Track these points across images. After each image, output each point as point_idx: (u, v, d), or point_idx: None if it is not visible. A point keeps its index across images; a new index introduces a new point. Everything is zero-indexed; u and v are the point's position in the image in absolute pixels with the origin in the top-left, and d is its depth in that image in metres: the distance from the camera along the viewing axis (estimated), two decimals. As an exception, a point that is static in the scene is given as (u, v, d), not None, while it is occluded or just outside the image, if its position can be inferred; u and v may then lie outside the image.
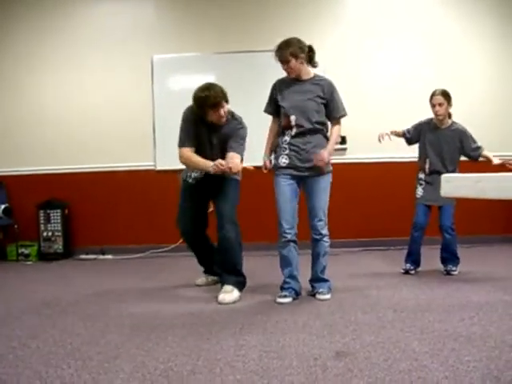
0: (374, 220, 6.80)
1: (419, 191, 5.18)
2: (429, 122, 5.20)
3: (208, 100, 4.25)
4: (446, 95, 5.04)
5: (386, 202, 6.44)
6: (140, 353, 2.94)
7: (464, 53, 7.14)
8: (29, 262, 6.91)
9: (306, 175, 4.21)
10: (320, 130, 4.26)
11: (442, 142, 5.08)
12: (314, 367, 2.62)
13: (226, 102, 4.39)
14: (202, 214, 4.80)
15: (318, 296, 4.16)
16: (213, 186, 4.51)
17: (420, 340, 3.00)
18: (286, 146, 4.25)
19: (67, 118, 7.29)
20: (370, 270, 5.46)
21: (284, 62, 4.24)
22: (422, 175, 5.20)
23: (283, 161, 4.23)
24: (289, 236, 4.17)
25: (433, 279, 4.86)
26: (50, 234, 7.04)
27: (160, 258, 6.84)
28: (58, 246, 7.05)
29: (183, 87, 7.26)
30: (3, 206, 6.91)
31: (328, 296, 4.15)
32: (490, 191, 1.62)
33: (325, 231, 4.21)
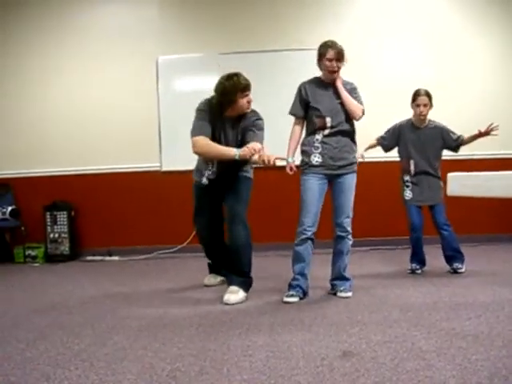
0: (379, 219, 6.79)
1: (407, 193, 5.17)
2: (406, 123, 5.23)
3: (239, 83, 4.33)
4: (429, 96, 5.08)
5: (391, 201, 6.40)
6: (147, 354, 2.94)
7: (465, 52, 7.11)
8: (36, 264, 6.93)
9: (337, 174, 4.25)
10: (351, 133, 4.35)
11: (424, 141, 5.11)
12: (321, 367, 2.61)
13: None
14: (218, 213, 4.75)
15: (339, 294, 4.17)
16: (226, 184, 4.51)
17: (427, 339, 2.99)
18: (319, 145, 4.28)
19: (73, 120, 7.31)
20: (376, 270, 5.46)
21: (340, 59, 4.30)
22: (407, 177, 5.20)
23: (316, 159, 4.26)
24: (309, 233, 4.19)
25: (439, 278, 4.84)
26: (56, 235, 7.05)
27: (167, 259, 6.84)
28: (65, 247, 7.06)
29: (189, 88, 7.29)
30: (10, 208, 6.93)
31: (350, 294, 4.17)
32: (497, 190, 1.62)
33: (350, 228, 4.27)
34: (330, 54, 4.23)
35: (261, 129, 4.38)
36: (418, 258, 5.15)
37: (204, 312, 3.88)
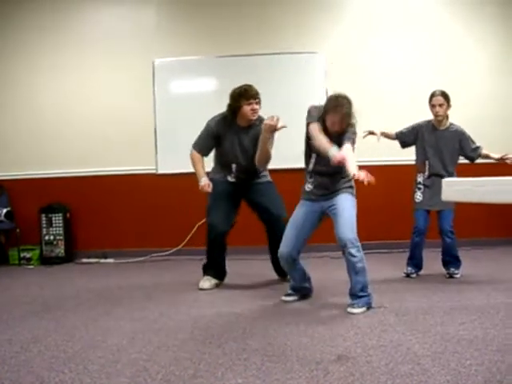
0: (376, 223, 6.79)
1: (418, 196, 5.15)
2: (427, 124, 5.19)
3: (245, 91, 4.67)
4: (445, 96, 5.04)
5: (388, 205, 6.43)
6: (141, 357, 2.94)
7: (467, 53, 7.12)
8: (31, 266, 6.91)
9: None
10: None
11: (441, 143, 5.07)
12: (316, 371, 2.61)
13: (260, 101, 4.76)
14: (233, 214, 4.98)
15: (348, 309, 3.98)
16: (249, 190, 4.84)
17: (422, 343, 3.00)
18: None
19: (69, 122, 7.30)
20: (372, 274, 5.40)
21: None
22: (420, 178, 5.17)
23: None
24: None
25: (434, 282, 4.84)
26: (51, 237, 7.03)
27: (162, 262, 6.83)
28: (60, 249, 7.04)
29: (184, 91, 7.29)
30: (5, 210, 6.89)
31: (356, 310, 3.90)
32: (492, 195, 1.62)
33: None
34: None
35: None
36: (414, 262, 5.15)
37: (199, 315, 3.87)
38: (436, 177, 5.02)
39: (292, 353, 2.92)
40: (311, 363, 2.73)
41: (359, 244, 3.89)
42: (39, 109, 7.35)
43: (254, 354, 2.93)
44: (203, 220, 7.00)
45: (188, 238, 7.10)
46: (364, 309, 3.88)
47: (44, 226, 7.05)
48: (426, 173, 5.12)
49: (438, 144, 5.08)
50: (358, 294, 3.91)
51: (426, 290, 4.52)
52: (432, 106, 5.07)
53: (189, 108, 7.18)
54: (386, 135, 5.30)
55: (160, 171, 7.20)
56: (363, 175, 3.56)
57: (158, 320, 3.79)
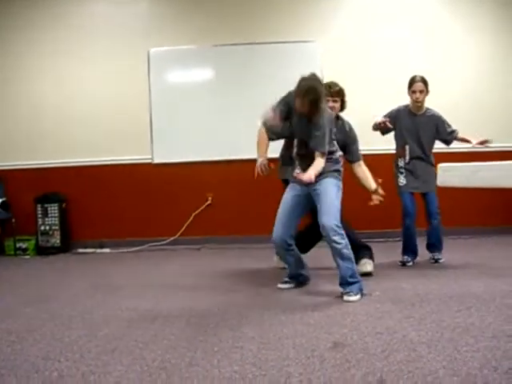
0: (371, 212, 6.76)
1: (401, 179, 5.21)
2: (404, 109, 5.26)
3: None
4: (425, 82, 5.14)
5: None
6: (138, 345, 2.93)
7: (459, 45, 7.15)
8: (27, 257, 6.91)
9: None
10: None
11: (419, 128, 5.17)
12: (312, 358, 2.62)
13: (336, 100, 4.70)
14: None
15: (344, 298, 3.97)
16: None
17: (418, 330, 3.00)
18: None
19: (64, 112, 7.28)
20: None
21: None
22: (401, 163, 5.24)
23: None
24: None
25: (430, 270, 4.86)
26: (47, 228, 7.03)
27: (158, 251, 6.84)
28: (56, 240, 7.04)
29: (180, 80, 7.28)
30: (1, 200, 6.88)
31: (354, 298, 3.91)
32: (488, 180, 1.62)
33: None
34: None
35: None
36: (409, 249, 5.17)
37: (194, 304, 3.87)
38: (417, 160, 5.15)
39: (288, 340, 2.92)
40: (307, 350, 2.73)
41: (343, 232, 3.91)
42: (36, 99, 7.33)
43: (249, 341, 2.93)
44: (199, 209, 7.06)
45: (184, 228, 7.11)
46: (360, 295, 3.89)
47: (40, 216, 7.05)
48: (407, 157, 5.17)
49: (416, 129, 5.17)
50: (349, 280, 3.92)
51: (422, 277, 4.54)
52: (412, 92, 5.14)
53: (184, 97, 7.17)
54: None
55: (156, 161, 7.19)
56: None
57: (154, 308, 3.79)
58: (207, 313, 3.61)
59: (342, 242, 3.88)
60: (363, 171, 4.76)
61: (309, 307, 3.65)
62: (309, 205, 4.18)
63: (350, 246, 3.95)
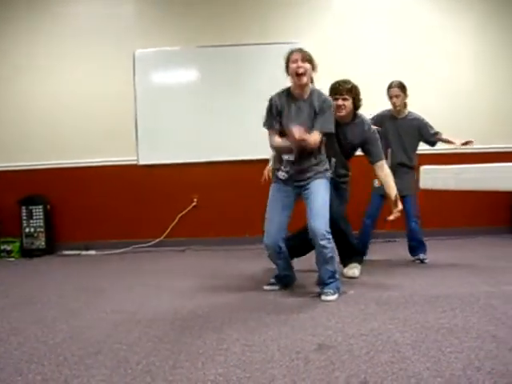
0: (358, 212, 6.78)
1: (377, 182, 5.19)
2: (387, 113, 5.36)
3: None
4: (401, 87, 5.23)
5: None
6: (122, 348, 2.92)
7: (450, 42, 7.19)
8: (11, 259, 6.86)
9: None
10: None
11: (401, 131, 5.24)
12: (296, 360, 2.62)
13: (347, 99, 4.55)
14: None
15: (322, 297, 3.98)
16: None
17: (402, 332, 3.01)
18: None
19: (49, 113, 7.23)
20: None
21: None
22: None
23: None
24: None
25: (415, 271, 4.87)
26: (32, 230, 6.98)
27: (144, 253, 6.82)
28: (41, 242, 7.00)
29: (165, 82, 7.27)
30: (-16, 203, 6.85)
31: (331, 298, 3.94)
32: (471, 182, 1.62)
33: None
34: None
35: None
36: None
37: (179, 306, 3.86)
38: (398, 165, 5.19)
39: (272, 342, 2.92)
40: (292, 352, 2.74)
41: (330, 236, 3.90)
42: (20, 101, 7.27)
43: (234, 343, 2.93)
44: (185, 211, 7.04)
45: (169, 229, 7.09)
46: (337, 295, 3.94)
47: (24, 218, 7.00)
48: (388, 160, 5.18)
49: (399, 132, 5.23)
50: (327, 281, 3.95)
51: (407, 278, 4.55)
52: (390, 98, 5.26)
53: (169, 99, 7.16)
54: None
55: (141, 162, 7.16)
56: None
57: (138, 311, 3.78)
58: (192, 315, 3.60)
59: (329, 246, 3.89)
60: (384, 175, 4.55)
61: (294, 309, 3.65)
62: (294, 205, 4.16)
63: (333, 250, 3.98)
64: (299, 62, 3.92)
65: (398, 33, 7.18)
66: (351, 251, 4.79)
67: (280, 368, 2.52)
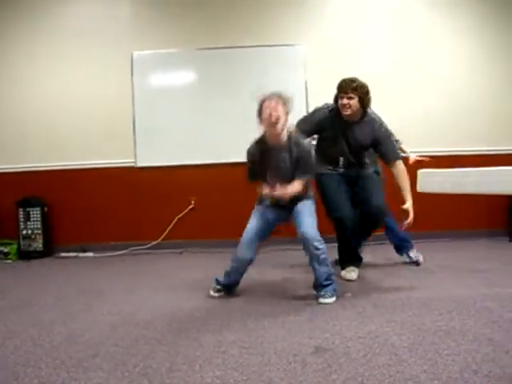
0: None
1: None
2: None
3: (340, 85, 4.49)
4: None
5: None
6: (119, 350, 2.92)
7: (448, 42, 7.21)
8: (8, 261, 6.84)
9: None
10: None
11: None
12: (294, 363, 2.62)
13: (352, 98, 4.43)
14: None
15: (320, 300, 4.00)
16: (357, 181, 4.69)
17: (399, 335, 3.01)
18: None
19: (47, 115, 7.23)
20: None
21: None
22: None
23: None
24: None
25: (411, 274, 4.87)
26: (29, 232, 6.97)
27: (141, 256, 6.81)
28: (38, 244, 6.98)
29: (163, 83, 7.26)
30: (-18, 205, 6.84)
31: (330, 300, 3.96)
32: (469, 186, 1.63)
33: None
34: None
35: None
36: None
37: (177, 308, 3.86)
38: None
39: (270, 345, 2.92)
40: (289, 355, 2.74)
41: (321, 238, 3.93)
42: (17, 102, 7.27)
43: (231, 346, 2.93)
44: (182, 213, 7.04)
45: (167, 232, 7.09)
46: (335, 297, 3.94)
47: (22, 220, 6.98)
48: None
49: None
50: (323, 283, 3.95)
51: (404, 281, 4.55)
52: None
53: (167, 101, 7.16)
54: None
55: (139, 164, 7.16)
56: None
57: (136, 313, 3.77)
58: (189, 317, 3.60)
59: (322, 247, 3.90)
60: (398, 177, 4.45)
61: (290, 312, 3.65)
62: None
63: (327, 252, 3.98)
64: (272, 111, 3.82)
65: (398, 33, 7.19)
66: (351, 254, 4.80)
67: (277, 371, 2.52)
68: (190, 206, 7.12)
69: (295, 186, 3.94)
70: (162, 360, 2.74)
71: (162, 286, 4.73)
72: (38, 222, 7.00)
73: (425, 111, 6.81)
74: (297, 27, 7.11)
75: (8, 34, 7.26)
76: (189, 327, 3.35)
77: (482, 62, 7.21)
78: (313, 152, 4.04)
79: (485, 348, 2.71)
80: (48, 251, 7.06)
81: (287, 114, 3.88)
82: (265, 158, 4.02)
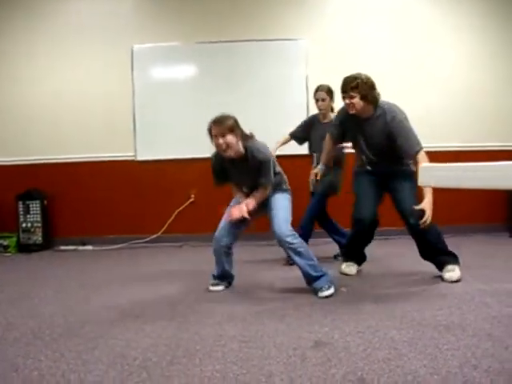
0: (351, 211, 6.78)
1: (311, 184, 5.27)
2: (314, 118, 5.47)
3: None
4: (328, 91, 5.26)
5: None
6: (119, 343, 2.93)
7: (449, 41, 7.19)
8: (8, 254, 6.85)
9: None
10: None
11: (323, 136, 5.14)
12: (293, 357, 2.62)
13: (353, 96, 4.25)
14: (378, 201, 4.64)
15: (319, 294, 4.00)
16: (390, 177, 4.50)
17: (399, 329, 3.01)
18: None
19: (47, 108, 7.22)
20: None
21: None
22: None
23: None
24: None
25: (411, 269, 4.86)
26: (29, 225, 6.97)
27: (141, 249, 6.81)
28: (38, 237, 6.98)
29: (164, 77, 7.24)
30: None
31: (329, 292, 3.98)
32: (471, 181, 1.62)
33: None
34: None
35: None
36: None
37: (177, 301, 3.87)
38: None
39: (269, 339, 2.93)
40: (288, 349, 2.74)
41: (294, 232, 3.95)
42: (18, 96, 7.25)
43: (231, 340, 2.93)
44: (182, 207, 7.04)
45: (167, 225, 7.09)
46: (333, 288, 3.95)
47: (21, 213, 6.98)
48: (314, 164, 5.27)
49: (321, 137, 5.15)
50: (314, 274, 3.96)
51: (404, 276, 4.56)
52: (316, 101, 5.30)
53: (168, 95, 7.15)
54: (282, 143, 5.59)
55: (139, 158, 7.15)
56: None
57: (135, 306, 3.78)
58: (189, 311, 3.60)
59: (296, 241, 3.92)
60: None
61: (290, 306, 3.66)
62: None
63: (304, 244, 4.00)
64: (219, 139, 3.90)
65: (399, 31, 7.17)
66: (357, 252, 4.80)
67: (277, 364, 2.53)
68: (190, 200, 7.12)
69: (259, 196, 4.05)
70: (162, 353, 2.74)
71: (162, 280, 4.73)
72: (38, 216, 7.00)
73: (426, 109, 6.79)
74: (298, 22, 7.09)
75: (7, 32, 7.23)
76: (189, 321, 3.35)
77: (483, 59, 7.19)
78: (269, 159, 4.00)
79: (484, 343, 2.72)
80: (47, 244, 7.06)
81: (237, 136, 3.95)
82: (227, 168, 4.16)
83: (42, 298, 4.18)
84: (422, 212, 4.08)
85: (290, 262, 4.81)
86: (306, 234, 5.13)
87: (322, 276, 3.97)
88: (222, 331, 3.10)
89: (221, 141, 3.88)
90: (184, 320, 3.37)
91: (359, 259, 4.84)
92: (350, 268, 4.72)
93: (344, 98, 4.30)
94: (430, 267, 4.56)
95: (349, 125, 4.49)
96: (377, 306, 3.59)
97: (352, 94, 4.22)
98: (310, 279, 3.99)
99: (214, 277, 4.30)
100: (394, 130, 4.20)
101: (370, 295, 3.89)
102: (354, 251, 4.79)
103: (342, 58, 6.98)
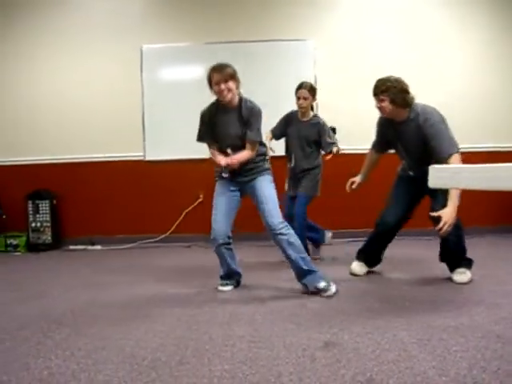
0: (358, 211, 6.78)
1: (286, 184, 5.35)
2: (292, 115, 5.35)
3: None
4: (311, 90, 5.18)
5: (370, 193, 6.38)
6: (128, 343, 2.94)
7: (455, 42, 7.17)
8: (17, 253, 6.88)
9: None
10: None
11: (302, 134, 5.19)
12: (303, 357, 2.62)
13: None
14: (411, 207, 4.60)
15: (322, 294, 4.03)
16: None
17: (408, 330, 3.01)
18: None
19: (56, 109, 7.24)
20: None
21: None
22: (288, 167, 5.37)
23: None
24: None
25: (420, 269, 4.86)
26: (38, 224, 7.00)
27: (149, 249, 6.82)
28: (47, 236, 7.01)
29: (173, 77, 7.26)
30: (-9, 197, 6.87)
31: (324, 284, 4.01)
32: (483, 182, 1.62)
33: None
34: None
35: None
36: None
37: (186, 301, 3.87)
38: (301, 171, 5.21)
39: (278, 339, 2.93)
40: (298, 350, 2.74)
41: (286, 223, 3.99)
42: (27, 96, 7.28)
43: (240, 340, 2.94)
44: (191, 207, 7.05)
45: (176, 225, 7.10)
46: (335, 287, 3.97)
47: (31, 212, 7.01)
48: (292, 164, 5.27)
49: (300, 135, 5.18)
50: (305, 268, 3.97)
51: (412, 277, 4.54)
52: (297, 98, 5.20)
53: (177, 95, 7.16)
54: (269, 140, 5.39)
55: (148, 158, 7.17)
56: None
57: (145, 306, 3.79)
58: (198, 311, 3.61)
59: (288, 232, 3.96)
60: None
61: (296, 305, 3.66)
62: (241, 200, 4.29)
63: (296, 237, 4.01)
64: (222, 85, 4.02)
65: (407, 32, 7.15)
66: (372, 255, 4.79)
67: (286, 365, 2.53)
68: (199, 200, 7.12)
69: (244, 154, 4.06)
70: (171, 353, 2.75)
71: (171, 280, 4.74)
72: (47, 215, 7.02)
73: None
74: (307, 22, 7.09)
75: (15, 33, 7.27)
76: (198, 321, 3.36)
77: (491, 59, 7.16)
78: (260, 114, 4.08)
79: (493, 345, 2.71)
80: (56, 244, 7.08)
81: (237, 84, 4.12)
82: (216, 119, 4.21)
83: (52, 297, 4.20)
84: (439, 218, 3.99)
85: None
86: (313, 239, 5.21)
87: (313, 272, 3.99)
88: (230, 331, 3.11)
89: (223, 86, 4.00)
90: (193, 320, 3.38)
91: (372, 261, 4.81)
92: (360, 268, 4.72)
93: (376, 101, 4.25)
94: (440, 269, 4.55)
95: (387, 130, 4.47)
96: (385, 306, 3.58)
97: (382, 97, 4.18)
98: (301, 273, 4.00)
99: (222, 277, 4.31)
100: (427, 132, 4.09)
101: (377, 295, 3.89)
102: (369, 252, 4.77)
103: (349, 59, 6.98)
